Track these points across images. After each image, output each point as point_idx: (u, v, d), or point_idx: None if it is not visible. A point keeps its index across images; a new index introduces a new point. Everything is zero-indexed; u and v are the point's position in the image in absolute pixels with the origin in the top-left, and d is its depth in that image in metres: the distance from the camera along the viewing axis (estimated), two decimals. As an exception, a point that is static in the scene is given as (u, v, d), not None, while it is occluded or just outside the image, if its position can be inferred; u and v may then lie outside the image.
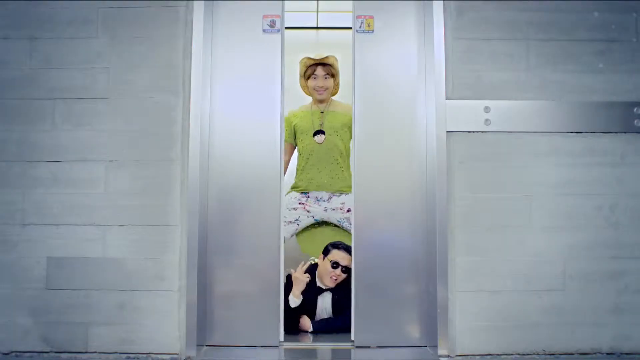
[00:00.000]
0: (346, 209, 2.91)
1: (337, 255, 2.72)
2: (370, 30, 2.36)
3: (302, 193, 2.96)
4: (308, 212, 2.94)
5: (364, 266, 2.32)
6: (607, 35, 2.24)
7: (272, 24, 2.36)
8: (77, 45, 2.22)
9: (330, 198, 2.94)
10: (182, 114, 2.20)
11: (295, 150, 3.10)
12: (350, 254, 2.74)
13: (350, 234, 2.98)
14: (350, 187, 2.98)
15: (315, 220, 2.98)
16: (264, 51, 2.36)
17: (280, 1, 2.39)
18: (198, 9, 2.23)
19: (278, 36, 2.37)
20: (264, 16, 2.37)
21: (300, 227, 2.96)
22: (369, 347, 2.28)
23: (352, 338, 2.32)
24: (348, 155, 3.02)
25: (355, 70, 2.36)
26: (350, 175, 3.01)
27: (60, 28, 2.23)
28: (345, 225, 2.93)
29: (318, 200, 2.95)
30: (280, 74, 2.36)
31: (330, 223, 3.03)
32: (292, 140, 3.06)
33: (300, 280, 2.67)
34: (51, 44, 2.22)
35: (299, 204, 2.94)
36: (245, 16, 2.38)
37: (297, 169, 3.02)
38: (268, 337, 2.29)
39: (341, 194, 2.95)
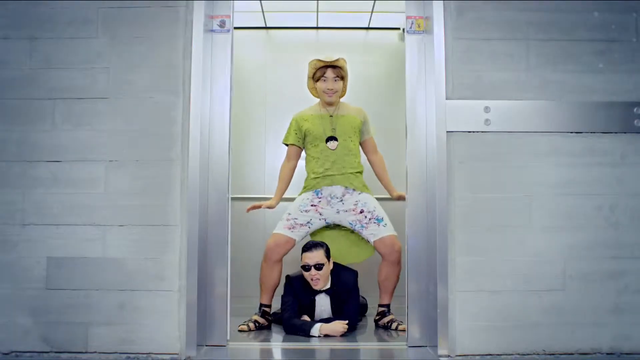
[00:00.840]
0: (359, 210, 2.86)
1: (305, 258, 2.70)
2: (421, 31, 2.35)
3: (314, 192, 2.90)
4: (320, 214, 2.88)
5: (417, 271, 2.30)
6: (607, 35, 2.24)
7: (222, 24, 2.34)
8: (77, 45, 2.22)
9: (344, 196, 2.89)
10: (182, 114, 2.20)
11: (303, 153, 3.06)
12: (318, 248, 2.70)
13: (361, 237, 2.95)
14: (364, 187, 2.96)
15: (326, 223, 2.93)
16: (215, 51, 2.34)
17: (230, 1, 2.37)
18: (198, 9, 2.22)
19: (228, 36, 2.35)
20: (213, 17, 2.34)
21: (311, 230, 2.92)
22: (425, 346, 2.28)
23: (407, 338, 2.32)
24: (358, 159, 2.98)
25: (407, 70, 2.35)
26: (361, 177, 2.97)
27: (60, 28, 2.23)
28: (357, 227, 2.88)
29: (331, 199, 2.88)
30: (229, 74, 2.33)
31: (341, 227, 2.99)
32: (301, 144, 3.02)
33: (337, 330, 2.58)
34: (51, 44, 2.22)
35: (311, 205, 2.88)
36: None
37: (310, 171, 2.95)
38: (218, 336, 2.29)
39: (354, 190, 2.90)
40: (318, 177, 2.90)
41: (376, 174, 3.12)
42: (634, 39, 2.24)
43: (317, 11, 3.94)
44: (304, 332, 2.57)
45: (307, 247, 2.72)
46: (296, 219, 2.86)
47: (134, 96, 2.21)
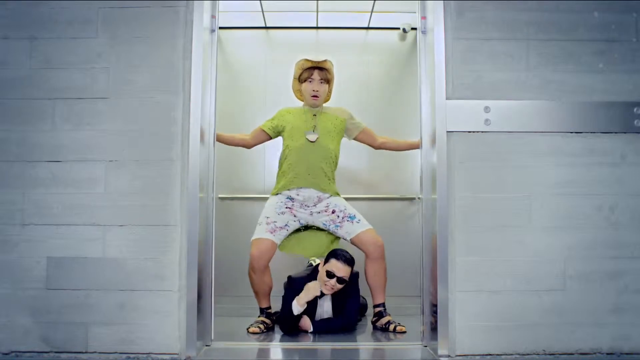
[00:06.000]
0: (331, 210, 2.85)
1: (334, 265, 2.67)
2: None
3: (286, 198, 2.86)
4: (295, 216, 2.86)
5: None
6: (607, 35, 2.24)
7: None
8: (77, 45, 2.22)
9: (319, 200, 2.86)
10: (182, 114, 2.20)
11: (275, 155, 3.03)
12: (349, 265, 2.69)
13: (335, 236, 2.93)
14: (334, 192, 2.92)
15: (300, 224, 2.91)
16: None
17: (216, 1, 2.37)
18: (198, 9, 2.22)
19: (213, 36, 2.34)
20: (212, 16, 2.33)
21: (288, 233, 2.88)
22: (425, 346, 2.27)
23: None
24: (336, 162, 2.96)
25: (421, 71, 2.35)
26: (334, 184, 2.94)
27: (60, 28, 2.23)
28: (332, 228, 2.86)
29: (304, 201, 2.85)
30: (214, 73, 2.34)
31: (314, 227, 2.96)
32: (272, 135, 3.02)
33: (311, 292, 2.63)
34: (51, 44, 2.22)
35: (286, 208, 2.85)
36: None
37: (280, 173, 2.94)
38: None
39: (325, 194, 2.87)
40: (293, 177, 2.85)
41: (395, 150, 3.20)
42: (634, 39, 2.24)
43: (317, 11, 3.93)
44: (289, 318, 2.59)
45: (341, 257, 2.68)
46: (275, 222, 2.82)
47: (134, 96, 2.21)
